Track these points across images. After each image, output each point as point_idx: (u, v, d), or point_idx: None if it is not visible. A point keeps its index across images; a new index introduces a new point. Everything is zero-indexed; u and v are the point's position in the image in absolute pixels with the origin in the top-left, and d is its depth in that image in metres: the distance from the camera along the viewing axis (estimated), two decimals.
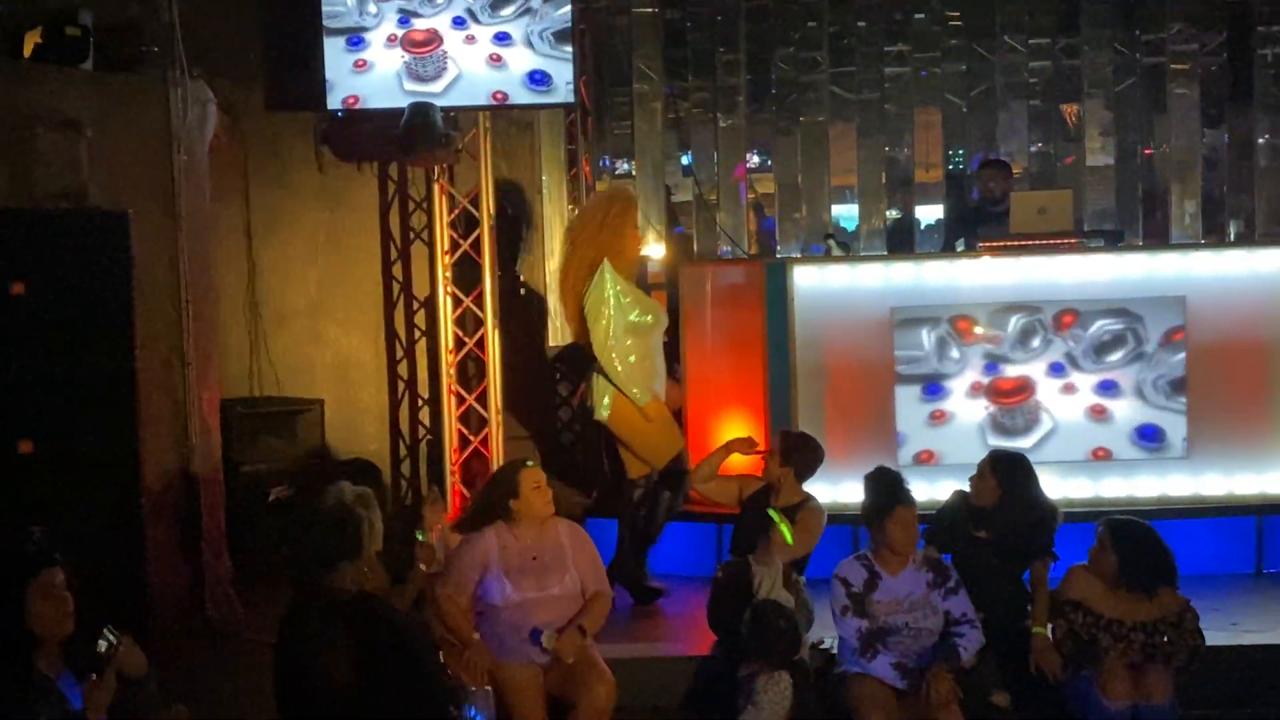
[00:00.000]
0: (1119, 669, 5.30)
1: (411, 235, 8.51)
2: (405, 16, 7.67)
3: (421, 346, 8.53)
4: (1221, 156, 11.08)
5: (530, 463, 5.69)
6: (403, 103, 7.60)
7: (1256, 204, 10.65)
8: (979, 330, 7.48)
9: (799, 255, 10.38)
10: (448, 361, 8.03)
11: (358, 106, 7.73)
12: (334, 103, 7.70)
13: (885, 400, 7.51)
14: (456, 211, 8.08)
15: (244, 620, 6.99)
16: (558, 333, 9.14)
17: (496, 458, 7.80)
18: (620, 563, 6.91)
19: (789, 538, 5.82)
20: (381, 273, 8.56)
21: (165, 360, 7.00)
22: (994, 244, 7.79)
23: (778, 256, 10.44)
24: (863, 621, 5.38)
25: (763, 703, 5.32)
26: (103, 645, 4.26)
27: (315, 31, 7.62)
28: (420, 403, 8.55)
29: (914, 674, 5.29)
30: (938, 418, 7.51)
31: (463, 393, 8.03)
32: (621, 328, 6.80)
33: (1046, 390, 7.49)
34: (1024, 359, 7.50)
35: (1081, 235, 8.28)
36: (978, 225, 8.59)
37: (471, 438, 7.96)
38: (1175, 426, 7.48)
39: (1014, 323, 7.49)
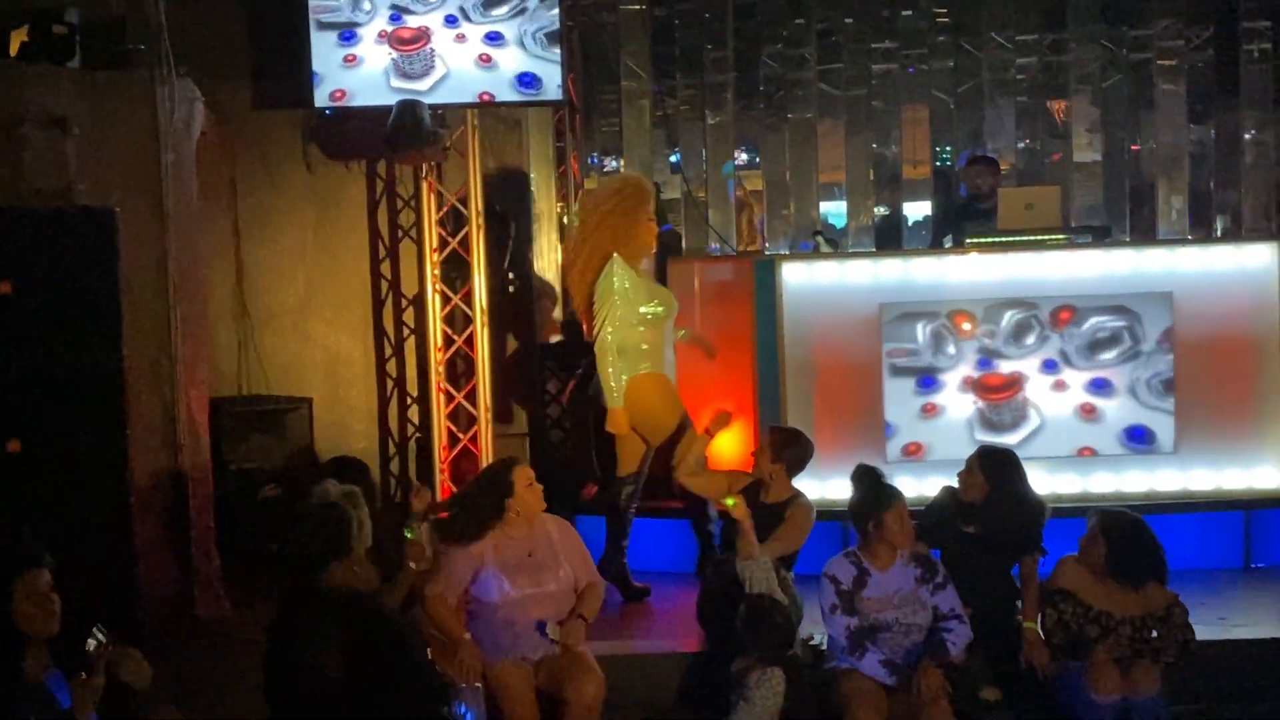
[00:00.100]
0: (1107, 663, 5.31)
1: (400, 233, 8.49)
2: (397, 13, 7.65)
3: (410, 344, 8.52)
4: (1208, 152, 11.10)
5: (519, 460, 5.69)
6: (390, 100, 7.58)
7: (1243, 200, 10.65)
8: (967, 326, 7.48)
9: (787, 252, 10.39)
10: (437, 359, 8.02)
11: (345, 102, 7.71)
12: (322, 97, 7.66)
13: (874, 396, 7.51)
14: (445, 209, 8.08)
15: (233, 619, 6.97)
16: (547, 330, 9.15)
17: (485, 455, 7.80)
18: (609, 560, 6.91)
19: (730, 502, 5.84)
20: (370, 271, 8.54)
21: (154, 359, 6.98)
22: (980, 240, 7.82)
23: (765, 253, 10.44)
24: (852, 619, 5.38)
25: (755, 699, 5.32)
26: (92, 644, 4.26)
27: (303, 29, 7.59)
28: (409, 401, 8.53)
29: (903, 670, 5.29)
30: (929, 410, 7.52)
31: (452, 390, 8.02)
32: (628, 321, 6.79)
33: (1036, 387, 7.49)
34: (1018, 355, 7.50)
35: (1069, 231, 8.29)
36: (965, 221, 8.60)
37: (461, 435, 7.96)
38: (1165, 428, 7.46)
39: (1008, 318, 7.50)
